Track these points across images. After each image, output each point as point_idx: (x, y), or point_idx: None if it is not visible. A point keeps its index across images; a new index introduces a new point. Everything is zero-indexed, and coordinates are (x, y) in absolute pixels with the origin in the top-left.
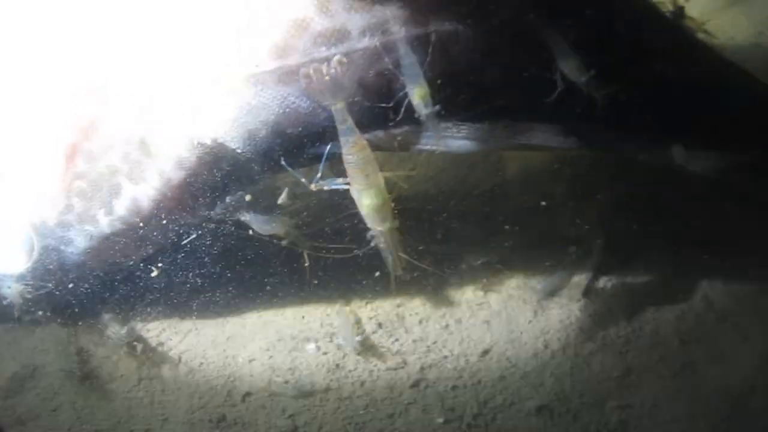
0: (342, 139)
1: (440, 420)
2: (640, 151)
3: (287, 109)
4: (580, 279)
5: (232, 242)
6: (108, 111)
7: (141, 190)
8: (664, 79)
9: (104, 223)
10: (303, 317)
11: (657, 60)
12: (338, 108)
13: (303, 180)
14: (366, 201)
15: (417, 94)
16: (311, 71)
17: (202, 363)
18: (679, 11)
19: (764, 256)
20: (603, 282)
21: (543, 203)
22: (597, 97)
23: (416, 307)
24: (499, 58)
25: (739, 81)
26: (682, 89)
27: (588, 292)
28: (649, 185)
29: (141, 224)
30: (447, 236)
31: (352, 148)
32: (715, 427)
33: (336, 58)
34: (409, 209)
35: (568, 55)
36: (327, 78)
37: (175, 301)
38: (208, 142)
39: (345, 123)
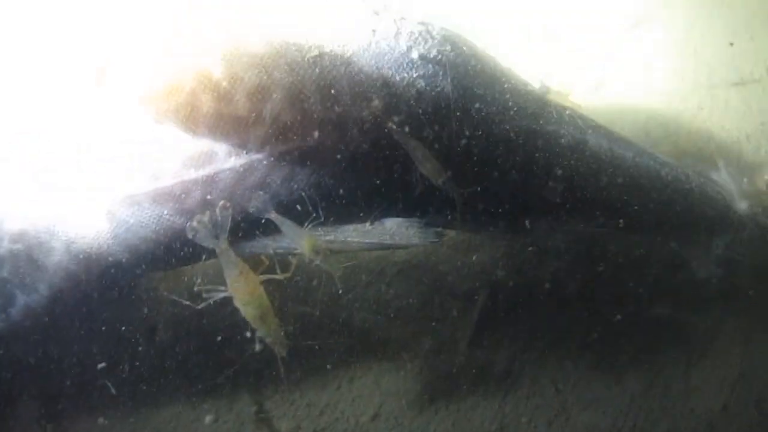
0: (227, 272)
1: None
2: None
3: (163, 226)
4: (462, 336)
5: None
6: None
7: (33, 299)
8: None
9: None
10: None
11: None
12: (222, 249)
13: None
14: (250, 311)
15: (307, 247)
16: (195, 223)
17: None
18: (544, 89)
19: (628, 304)
20: (484, 337)
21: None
22: (455, 196)
23: (312, 370)
24: (363, 167)
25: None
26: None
27: (470, 347)
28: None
29: (34, 328)
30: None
31: (238, 277)
32: None
33: (221, 203)
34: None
35: (426, 158)
36: (210, 226)
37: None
38: (93, 256)
39: (229, 259)
